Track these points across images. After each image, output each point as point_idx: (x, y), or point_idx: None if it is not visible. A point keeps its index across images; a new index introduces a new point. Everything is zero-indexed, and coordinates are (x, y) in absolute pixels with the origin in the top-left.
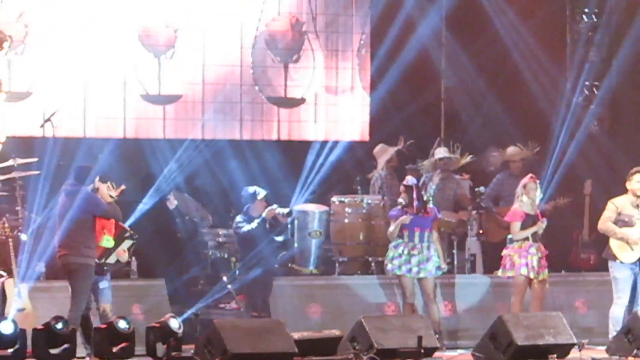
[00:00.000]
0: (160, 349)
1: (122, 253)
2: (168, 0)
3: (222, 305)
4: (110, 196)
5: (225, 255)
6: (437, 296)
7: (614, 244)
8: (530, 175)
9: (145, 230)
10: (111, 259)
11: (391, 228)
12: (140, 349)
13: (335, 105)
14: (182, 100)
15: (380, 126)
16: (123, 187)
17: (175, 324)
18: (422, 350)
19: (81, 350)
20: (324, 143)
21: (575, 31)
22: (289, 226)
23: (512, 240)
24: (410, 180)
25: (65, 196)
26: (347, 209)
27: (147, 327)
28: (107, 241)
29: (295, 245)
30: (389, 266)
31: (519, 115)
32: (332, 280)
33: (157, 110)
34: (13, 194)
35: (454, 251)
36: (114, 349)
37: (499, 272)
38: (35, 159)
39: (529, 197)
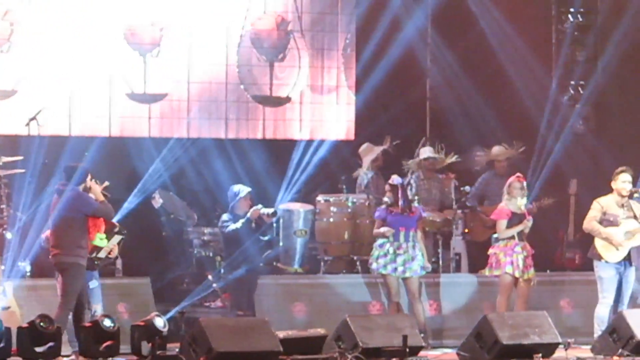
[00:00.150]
0: (146, 347)
1: (114, 248)
2: None
3: (207, 304)
4: (104, 194)
5: (211, 254)
6: (423, 295)
7: (599, 243)
8: (517, 174)
9: (131, 229)
10: (102, 254)
11: (376, 230)
12: (125, 347)
13: (321, 105)
14: (167, 99)
15: (366, 125)
16: (107, 183)
17: (160, 322)
18: (407, 350)
19: (66, 349)
20: (309, 142)
21: (560, 31)
22: (274, 225)
23: (497, 239)
24: (395, 179)
25: (58, 196)
26: (332, 208)
27: (132, 326)
28: (101, 240)
29: (281, 244)
30: (374, 265)
31: (505, 115)
32: (317, 279)
33: (143, 108)
34: None
35: (439, 250)
36: (99, 348)
37: (486, 271)
38: (20, 158)
39: (511, 195)
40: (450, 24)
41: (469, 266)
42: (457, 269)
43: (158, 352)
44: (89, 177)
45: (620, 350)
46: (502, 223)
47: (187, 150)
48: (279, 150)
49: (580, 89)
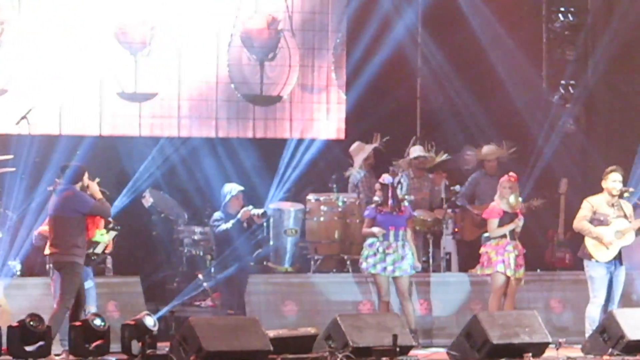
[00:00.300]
0: (136, 346)
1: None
2: None
3: (198, 303)
4: (103, 192)
5: (201, 253)
6: (413, 294)
7: (589, 243)
8: (510, 173)
9: (121, 228)
10: (98, 249)
11: (365, 229)
12: (115, 346)
13: (311, 104)
14: (158, 98)
15: (356, 125)
16: (97, 180)
17: (150, 321)
18: (398, 349)
19: (57, 348)
20: (299, 141)
21: (551, 30)
22: (265, 224)
23: (488, 238)
24: (386, 178)
25: (55, 196)
26: (322, 207)
27: (122, 325)
28: (101, 236)
29: (271, 243)
30: (364, 265)
31: (495, 114)
32: (308, 278)
33: (133, 108)
34: None
35: (430, 249)
36: (89, 347)
37: (478, 270)
38: (11, 156)
39: (501, 195)
40: (440, 23)
41: (459, 265)
42: (448, 268)
43: (148, 351)
44: (86, 175)
45: (610, 350)
46: (494, 222)
47: (178, 150)
48: (270, 149)
49: (570, 88)
